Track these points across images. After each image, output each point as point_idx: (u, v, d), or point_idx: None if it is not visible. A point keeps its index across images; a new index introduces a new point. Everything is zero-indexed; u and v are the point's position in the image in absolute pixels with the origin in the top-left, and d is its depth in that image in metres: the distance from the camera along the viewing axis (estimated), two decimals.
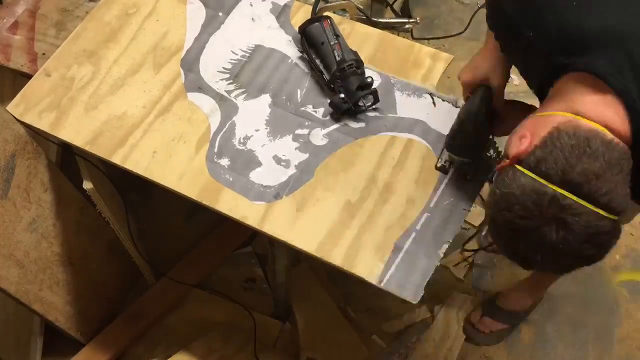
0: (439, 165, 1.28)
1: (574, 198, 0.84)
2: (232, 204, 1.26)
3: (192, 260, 1.88)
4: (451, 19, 2.39)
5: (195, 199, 1.27)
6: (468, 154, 1.23)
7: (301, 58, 1.44)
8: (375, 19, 1.73)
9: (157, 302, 1.82)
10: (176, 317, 1.82)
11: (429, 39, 1.73)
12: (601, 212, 0.85)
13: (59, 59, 1.45)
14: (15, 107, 1.38)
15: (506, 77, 1.17)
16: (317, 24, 1.38)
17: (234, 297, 1.81)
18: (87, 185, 1.42)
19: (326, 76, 1.36)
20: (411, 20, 1.81)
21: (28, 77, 1.51)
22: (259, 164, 1.31)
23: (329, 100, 1.35)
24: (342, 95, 1.32)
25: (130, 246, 1.64)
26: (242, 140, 1.34)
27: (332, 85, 1.36)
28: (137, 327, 1.78)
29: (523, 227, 0.87)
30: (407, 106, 1.37)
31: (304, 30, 1.40)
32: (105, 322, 1.78)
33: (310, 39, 1.39)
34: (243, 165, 1.30)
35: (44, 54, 1.56)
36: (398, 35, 1.93)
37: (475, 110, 1.15)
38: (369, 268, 1.19)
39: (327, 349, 1.77)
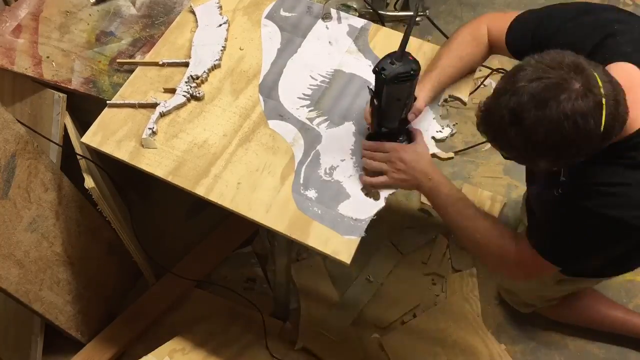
0: None
1: None
2: (322, 239, 1.22)
3: (193, 260, 1.86)
4: (451, 18, 2.43)
5: (284, 233, 1.23)
6: None
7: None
8: (382, 12, 1.66)
9: (157, 302, 1.80)
10: (176, 317, 1.80)
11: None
12: None
13: (134, 85, 1.41)
14: (92, 135, 1.35)
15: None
16: (409, 83, 1.14)
17: (234, 297, 1.80)
18: (88, 184, 1.39)
19: (385, 125, 1.26)
20: (420, 13, 1.73)
21: (30, 79, 1.50)
22: (347, 196, 1.27)
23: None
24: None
25: (131, 246, 1.61)
26: (327, 171, 1.30)
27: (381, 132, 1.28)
28: (137, 327, 1.77)
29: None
30: None
31: (391, 80, 1.12)
32: (105, 322, 1.78)
33: (391, 93, 1.15)
34: (331, 197, 1.26)
35: (47, 57, 1.53)
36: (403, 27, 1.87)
37: None
38: None
39: (324, 341, 1.76)
